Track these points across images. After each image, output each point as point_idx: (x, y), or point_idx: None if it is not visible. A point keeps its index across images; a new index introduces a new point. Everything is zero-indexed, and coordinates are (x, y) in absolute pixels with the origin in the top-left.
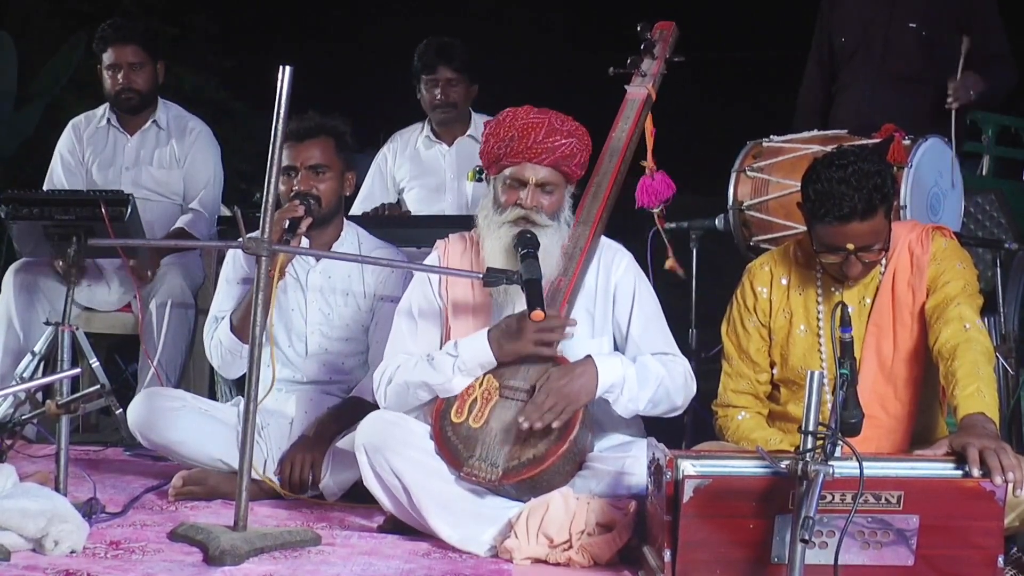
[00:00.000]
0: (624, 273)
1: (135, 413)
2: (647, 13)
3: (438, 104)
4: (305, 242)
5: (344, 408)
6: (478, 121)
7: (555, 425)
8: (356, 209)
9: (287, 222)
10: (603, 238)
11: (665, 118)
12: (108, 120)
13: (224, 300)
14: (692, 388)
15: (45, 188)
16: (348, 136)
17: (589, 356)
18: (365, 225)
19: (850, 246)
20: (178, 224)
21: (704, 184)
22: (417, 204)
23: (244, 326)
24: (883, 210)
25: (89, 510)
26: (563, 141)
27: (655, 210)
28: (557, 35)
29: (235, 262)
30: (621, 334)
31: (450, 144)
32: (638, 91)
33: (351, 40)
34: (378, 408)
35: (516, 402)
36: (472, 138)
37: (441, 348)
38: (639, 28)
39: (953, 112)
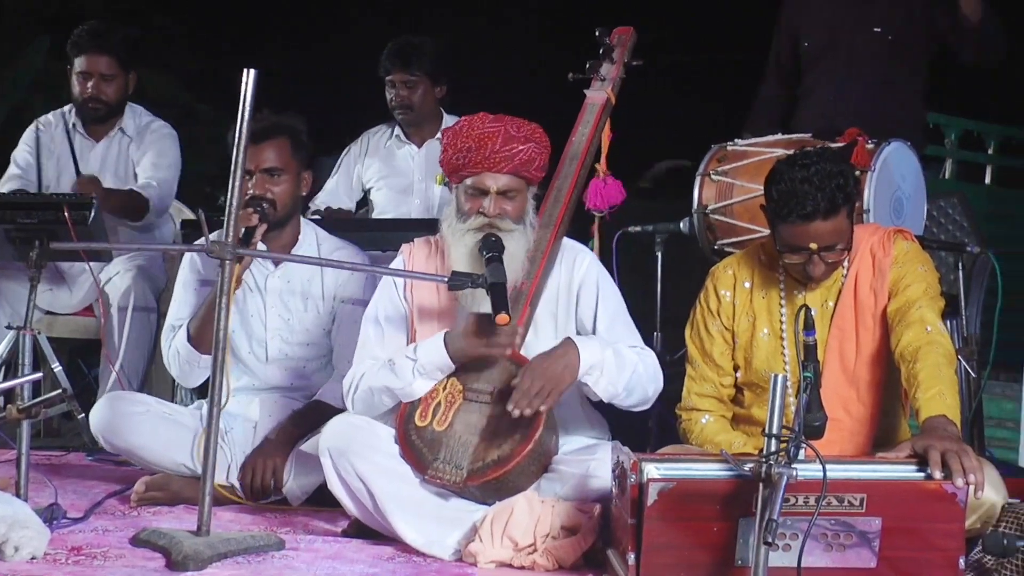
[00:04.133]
0: (587, 271)
1: (98, 417)
2: (614, 16)
3: (394, 106)
4: (262, 248)
5: (307, 412)
6: (449, 124)
7: (542, 409)
8: (319, 201)
9: (242, 231)
10: (565, 239)
11: (631, 123)
12: (74, 125)
13: (181, 307)
14: (660, 382)
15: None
16: (304, 135)
17: (568, 338)
18: (329, 227)
19: (813, 245)
20: (131, 186)
21: (669, 187)
22: (384, 205)
23: (201, 336)
24: (846, 210)
25: (50, 515)
26: (521, 148)
27: (598, 215)
28: (528, 37)
29: (191, 264)
30: (587, 331)
31: (420, 146)
32: (598, 95)
33: (319, 42)
34: (341, 412)
35: (480, 404)
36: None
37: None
38: (597, 33)
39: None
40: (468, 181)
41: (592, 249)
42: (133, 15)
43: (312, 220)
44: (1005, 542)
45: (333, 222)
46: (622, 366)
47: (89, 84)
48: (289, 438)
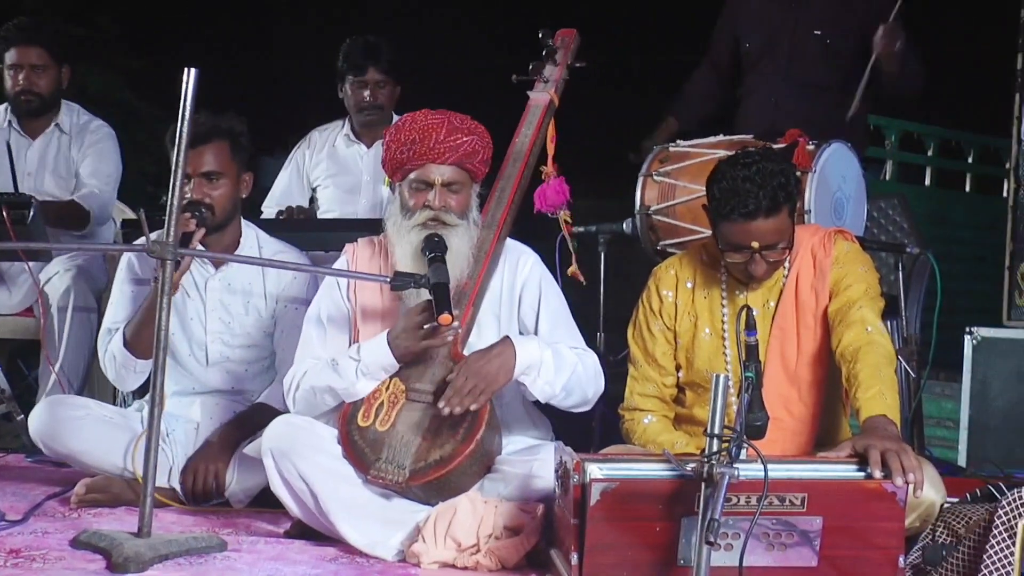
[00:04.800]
0: (530, 273)
1: (37, 422)
2: (557, 18)
3: (366, 106)
4: (201, 250)
5: (249, 415)
6: None
7: (474, 407)
8: (269, 204)
9: (180, 236)
10: (508, 240)
11: (573, 123)
12: (9, 123)
13: (117, 310)
14: (601, 383)
15: None
16: (244, 136)
17: (507, 337)
18: (274, 229)
19: (755, 244)
20: (72, 197)
21: (612, 188)
22: (331, 204)
23: (137, 340)
24: (787, 208)
25: None
26: (464, 139)
27: (558, 215)
28: (471, 38)
29: (128, 264)
30: (529, 332)
31: (369, 146)
32: (541, 97)
33: (261, 42)
34: (283, 415)
35: (422, 404)
36: None
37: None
38: (541, 35)
39: (871, 62)
40: (412, 175)
41: (573, 251)
42: (73, 15)
43: (272, 219)
44: (944, 553)
45: (278, 222)
46: (560, 367)
47: (20, 76)
48: (231, 441)
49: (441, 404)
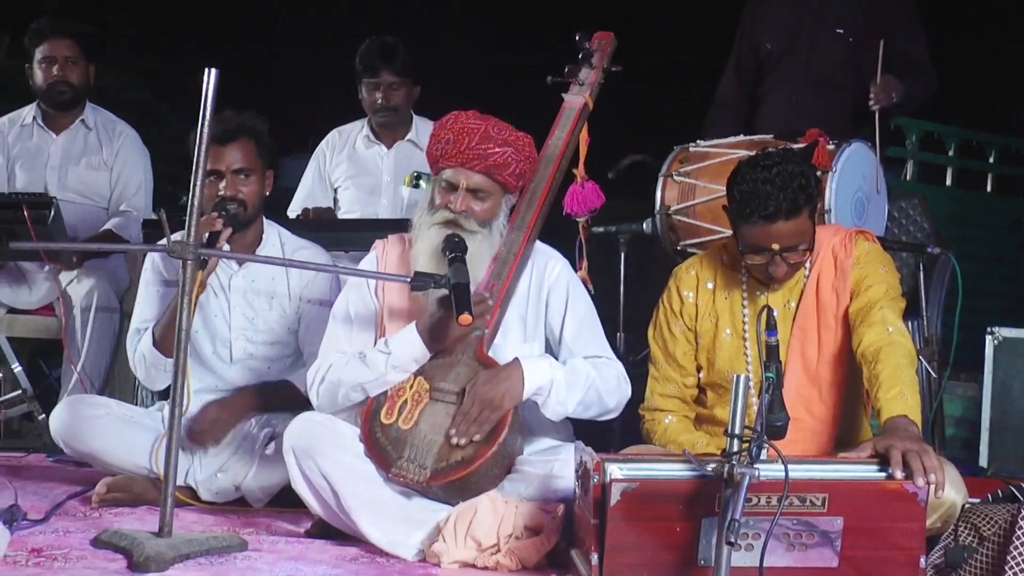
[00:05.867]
0: (557, 278)
1: (58, 422)
2: (572, 18)
3: (379, 108)
4: (226, 248)
5: (277, 388)
6: (419, 125)
7: (476, 439)
8: (295, 207)
9: (206, 235)
10: (538, 243)
11: (593, 122)
12: (34, 118)
13: (144, 309)
14: (626, 391)
15: None
16: (267, 135)
17: (516, 359)
18: (296, 228)
19: (775, 246)
20: (107, 226)
21: (632, 188)
22: (351, 204)
23: (166, 339)
24: (807, 210)
25: (10, 517)
26: (496, 149)
27: (580, 219)
28: (500, 37)
29: (153, 265)
30: (554, 338)
31: (389, 147)
32: (575, 100)
33: (274, 42)
34: (307, 399)
35: (446, 404)
36: (412, 143)
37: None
38: (577, 37)
39: (876, 116)
40: (444, 174)
41: (582, 254)
42: (89, 15)
43: (295, 220)
44: (966, 555)
45: (300, 222)
46: (574, 385)
47: (54, 68)
48: (251, 404)
49: (452, 433)
